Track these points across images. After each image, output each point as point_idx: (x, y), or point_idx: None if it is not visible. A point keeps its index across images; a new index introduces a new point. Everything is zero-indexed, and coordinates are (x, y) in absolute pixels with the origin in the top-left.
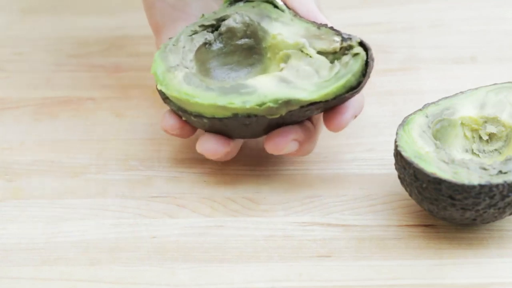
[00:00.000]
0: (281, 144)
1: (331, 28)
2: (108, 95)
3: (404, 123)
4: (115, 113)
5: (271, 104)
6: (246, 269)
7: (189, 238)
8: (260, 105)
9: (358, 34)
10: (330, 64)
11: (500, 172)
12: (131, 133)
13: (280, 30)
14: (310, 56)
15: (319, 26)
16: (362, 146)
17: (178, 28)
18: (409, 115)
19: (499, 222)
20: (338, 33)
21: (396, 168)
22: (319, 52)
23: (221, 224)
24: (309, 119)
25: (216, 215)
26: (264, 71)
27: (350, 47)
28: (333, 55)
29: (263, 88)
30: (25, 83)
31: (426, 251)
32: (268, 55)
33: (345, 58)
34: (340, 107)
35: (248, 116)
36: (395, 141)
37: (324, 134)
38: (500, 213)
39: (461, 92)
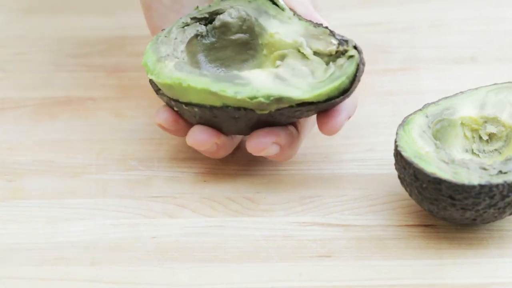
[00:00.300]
0: (262, 145)
1: (327, 28)
2: (108, 95)
3: (404, 123)
4: (115, 113)
5: (262, 99)
6: (246, 269)
7: (189, 238)
8: (251, 98)
9: (358, 34)
10: (325, 66)
11: (500, 172)
12: (131, 133)
13: (278, 28)
14: (307, 57)
15: (316, 25)
16: (362, 146)
17: None
18: (409, 115)
19: (499, 222)
20: (332, 33)
21: (396, 168)
22: (315, 53)
23: (221, 224)
24: (294, 125)
25: (216, 215)
26: (258, 67)
27: (346, 51)
28: (328, 57)
29: (257, 82)
30: (25, 83)
31: (426, 251)
32: (264, 51)
33: (340, 61)
34: (333, 109)
35: (238, 109)
36: (395, 141)
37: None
38: (500, 213)
39: (461, 92)
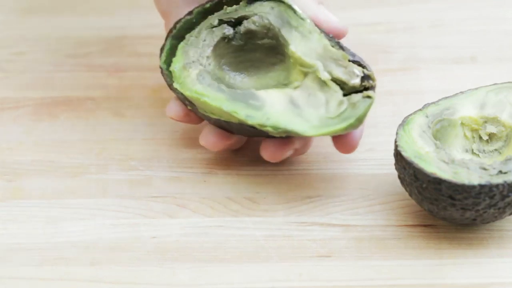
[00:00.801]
0: (277, 154)
1: (341, 47)
2: (108, 95)
3: (404, 123)
4: (115, 113)
5: (270, 129)
6: (246, 269)
7: (189, 238)
8: (260, 126)
9: (358, 34)
10: (340, 98)
11: (500, 172)
12: (131, 133)
13: (299, 45)
14: (325, 83)
15: (334, 42)
16: (362, 146)
17: (183, 14)
18: (409, 115)
19: (499, 222)
20: (350, 56)
21: (396, 168)
22: (333, 79)
23: (221, 224)
24: None
25: (216, 215)
26: (286, 71)
27: (365, 88)
28: (347, 86)
29: (270, 106)
30: (24, 83)
31: (426, 251)
32: (292, 60)
33: (355, 97)
34: None
35: (252, 126)
36: (395, 141)
37: None
38: (500, 213)
39: (461, 92)
